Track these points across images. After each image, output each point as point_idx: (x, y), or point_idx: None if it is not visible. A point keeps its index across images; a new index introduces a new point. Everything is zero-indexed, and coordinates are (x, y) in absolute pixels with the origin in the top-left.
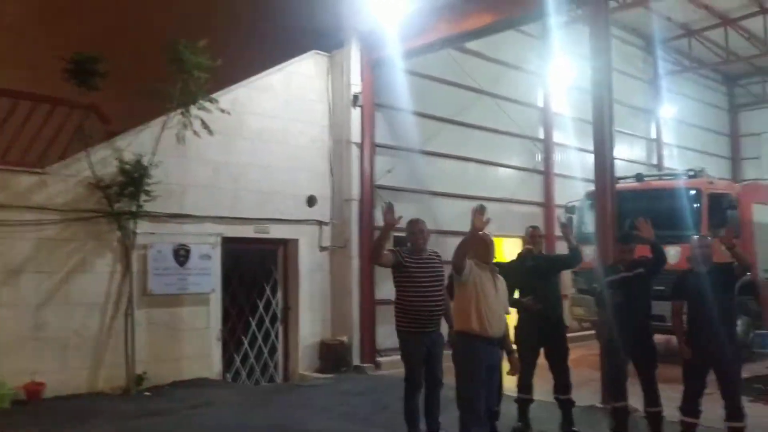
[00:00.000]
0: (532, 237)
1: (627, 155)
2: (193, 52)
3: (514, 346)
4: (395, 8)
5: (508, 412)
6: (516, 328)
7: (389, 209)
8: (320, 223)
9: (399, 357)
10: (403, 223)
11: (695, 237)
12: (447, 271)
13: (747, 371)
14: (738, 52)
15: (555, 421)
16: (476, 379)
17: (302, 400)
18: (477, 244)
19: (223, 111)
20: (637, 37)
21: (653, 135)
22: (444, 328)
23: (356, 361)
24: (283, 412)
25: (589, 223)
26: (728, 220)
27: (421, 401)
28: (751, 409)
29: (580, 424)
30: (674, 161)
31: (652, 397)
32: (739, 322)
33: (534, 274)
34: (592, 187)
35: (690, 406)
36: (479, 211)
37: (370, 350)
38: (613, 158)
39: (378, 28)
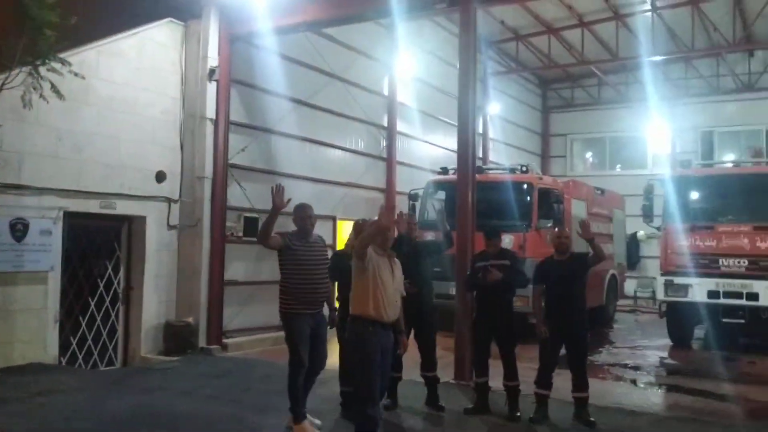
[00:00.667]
0: (408, 224)
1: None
2: (41, 7)
3: None
4: None
5: None
6: None
7: (279, 191)
8: (169, 200)
9: (245, 339)
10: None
11: (557, 229)
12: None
13: None
14: (556, 59)
15: (421, 398)
16: (372, 363)
17: (158, 383)
18: (379, 234)
19: (76, 74)
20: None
21: (480, 130)
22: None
23: (202, 342)
24: (143, 396)
25: (430, 210)
26: (555, 212)
27: None
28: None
29: (442, 400)
30: (497, 155)
31: (511, 372)
32: None
33: (410, 258)
34: (433, 176)
35: (544, 379)
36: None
37: (217, 332)
38: (475, 153)
39: (239, 2)
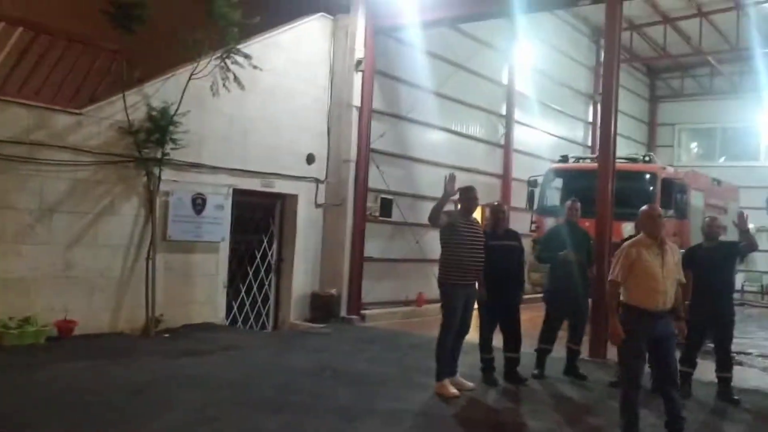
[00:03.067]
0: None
1: (568, 135)
2: (228, 6)
3: None
4: None
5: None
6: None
7: (452, 179)
8: (317, 180)
9: (378, 311)
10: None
11: (708, 216)
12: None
13: None
14: (670, 49)
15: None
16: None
17: (322, 345)
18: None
19: (255, 67)
20: (585, 26)
21: (590, 119)
22: None
23: (343, 312)
24: (317, 355)
25: (551, 196)
26: (677, 202)
27: None
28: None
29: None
30: None
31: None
32: None
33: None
34: (546, 164)
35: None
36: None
37: (357, 303)
38: (615, 140)
39: None
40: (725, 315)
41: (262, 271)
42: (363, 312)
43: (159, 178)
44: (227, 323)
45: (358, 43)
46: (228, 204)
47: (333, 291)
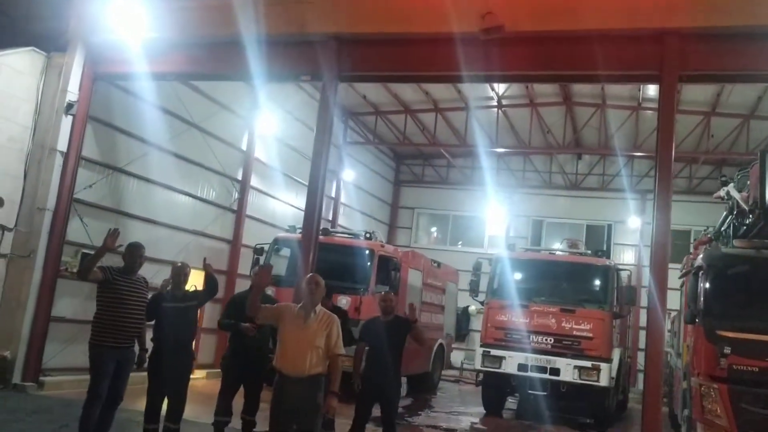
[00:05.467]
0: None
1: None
2: None
3: None
4: (131, 31)
5: None
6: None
7: (114, 235)
8: (3, 228)
9: (66, 378)
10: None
11: (383, 292)
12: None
13: None
14: (410, 137)
15: None
16: None
17: None
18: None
19: None
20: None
21: (333, 194)
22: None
23: (17, 379)
24: None
25: (275, 264)
26: (392, 279)
27: None
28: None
29: None
30: (346, 219)
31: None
32: None
33: None
34: (280, 233)
35: (357, 430)
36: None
37: (35, 368)
38: (321, 214)
39: (108, 44)
40: (389, 388)
41: None
42: (43, 379)
43: None
44: None
45: (72, 85)
46: None
47: (6, 353)
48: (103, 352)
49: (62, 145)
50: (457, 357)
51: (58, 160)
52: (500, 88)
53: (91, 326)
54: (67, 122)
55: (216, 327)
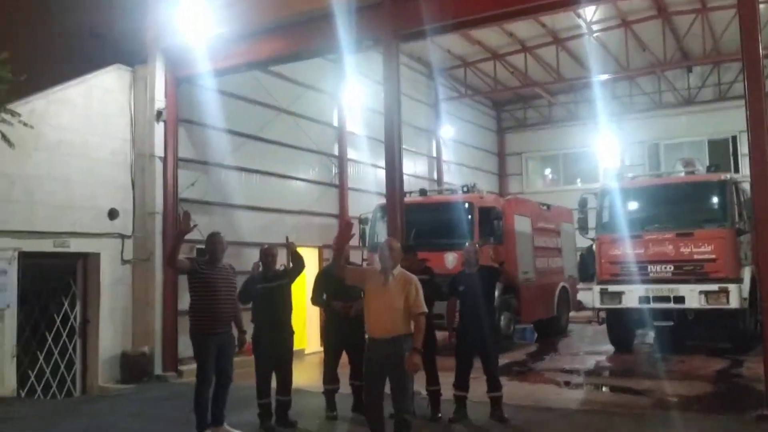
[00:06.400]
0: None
1: (412, 171)
2: None
3: None
4: (201, 30)
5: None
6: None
7: (185, 217)
8: (122, 236)
9: None
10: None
11: (467, 243)
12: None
13: (508, 357)
14: (504, 82)
15: None
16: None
17: (110, 408)
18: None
19: (25, 124)
20: (421, 65)
21: (434, 153)
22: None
23: (158, 370)
24: (93, 420)
25: (380, 233)
26: (496, 229)
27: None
28: (509, 386)
29: None
30: (452, 176)
31: (432, 379)
32: (502, 317)
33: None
34: (383, 201)
35: (460, 382)
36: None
37: (172, 359)
38: (402, 175)
39: (184, 46)
40: (486, 337)
41: (64, 335)
42: (181, 368)
43: None
44: (23, 395)
45: (158, 93)
46: (13, 268)
47: (145, 349)
48: (203, 339)
49: (159, 150)
50: (588, 297)
51: (159, 166)
52: (587, 13)
53: (188, 317)
54: (159, 129)
55: None
